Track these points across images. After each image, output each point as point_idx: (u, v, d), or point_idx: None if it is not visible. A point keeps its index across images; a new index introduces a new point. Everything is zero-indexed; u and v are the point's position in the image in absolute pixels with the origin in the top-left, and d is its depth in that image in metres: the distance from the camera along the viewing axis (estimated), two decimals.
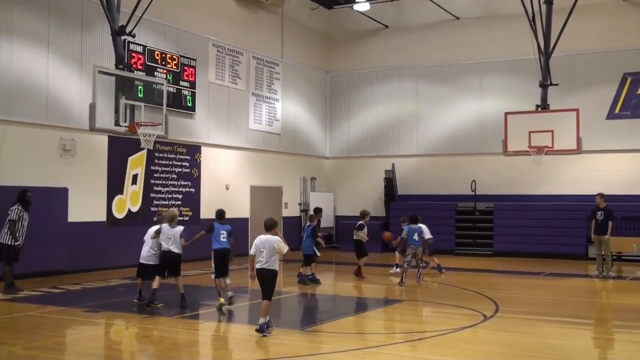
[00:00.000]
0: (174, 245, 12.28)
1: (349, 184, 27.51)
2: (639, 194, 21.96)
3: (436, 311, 12.26)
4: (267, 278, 10.12)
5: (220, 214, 12.83)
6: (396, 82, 26.81)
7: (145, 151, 18.76)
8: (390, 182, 26.06)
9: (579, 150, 18.92)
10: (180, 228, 12.40)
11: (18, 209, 14.08)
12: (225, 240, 12.54)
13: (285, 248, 10.16)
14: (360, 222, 16.92)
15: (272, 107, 24.78)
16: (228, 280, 12.56)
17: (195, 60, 21.04)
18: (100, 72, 15.23)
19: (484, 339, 10.06)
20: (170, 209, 15.14)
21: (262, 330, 9.90)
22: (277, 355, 8.87)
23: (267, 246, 10.05)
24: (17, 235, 13.91)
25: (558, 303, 13.84)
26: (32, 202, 14.43)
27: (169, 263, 12.32)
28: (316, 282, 15.81)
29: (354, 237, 16.82)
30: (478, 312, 11.94)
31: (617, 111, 23.01)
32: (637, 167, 22.62)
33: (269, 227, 10.32)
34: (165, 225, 12.39)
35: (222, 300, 12.21)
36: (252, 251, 10.23)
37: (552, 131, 18.71)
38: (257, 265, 10.12)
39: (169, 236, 12.26)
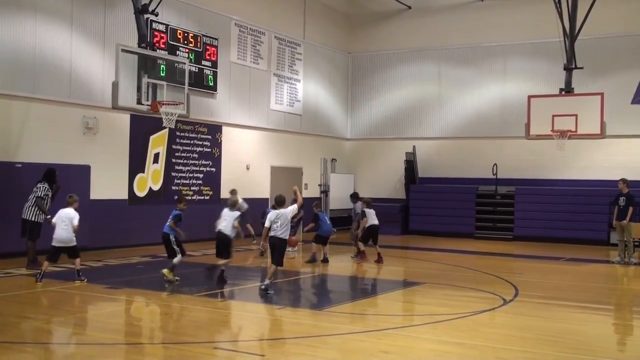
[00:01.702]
0: (227, 228, 12.94)
1: (370, 165, 27.46)
2: None
3: (455, 294, 12.24)
4: (278, 246, 11.53)
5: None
6: (418, 64, 26.62)
7: (166, 130, 18.83)
8: (411, 164, 25.97)
9: (602, 135, 18.71)
10: (236, 213, 13.14)
11: (44, 187, 14.21)
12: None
13: (297, 205, 11.93)
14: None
15: (293, 88, 24.74)
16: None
17: (217, 39, 21.02)
18: (123, 50, 15.30)
19: (503, 323, 10.04)
20: (233, 196, 15.70)
21: (267, 289, 11.40)
22: (295, 335, 8.92)
23: (281, 218, 11.44)
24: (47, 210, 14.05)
25: (578, 288, 13.76)
26: (59, 181, 14.54)
27: (220, 243, 13.07)
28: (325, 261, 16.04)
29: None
30: (497, 295, 11.92)
31: None
32: None
33: (280, 202, 11.88)
34: (225, 209, 13.26)
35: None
36: (266, 224, 11.64)
37: (575, 115, 18.51)
38: (271, 234, 11.53)
39: (224, 218, 13.02)
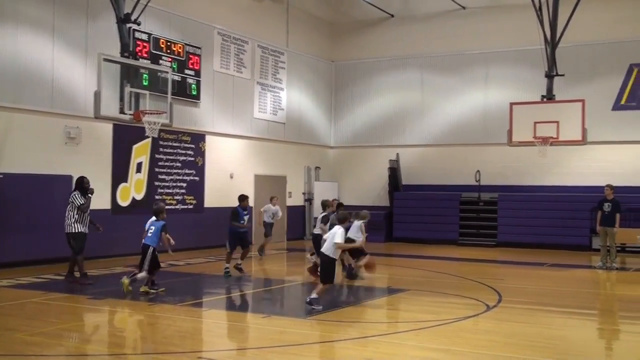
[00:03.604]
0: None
1: (354, 173, 27.51)
2: None
3: (439, 301, 12.28)
4: (322, 263, 11.36)
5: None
6: (401, 72, 26.74)
7: (150, 139, 18.77)
8: (394, 172, 26.05)
9: (584, 141, 18.89)
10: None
11: (78, 196, 13.78)
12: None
13: (338, 239, 11.10)
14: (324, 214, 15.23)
15: (277, 96, 24.76)
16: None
17: (200, 48, 21.01)
18: (105, 59, 15.27)
19: (486, 329, 10.08)
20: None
21: (311, 303, 10.95)
22: (281, 344, 8.90)
23: (330, 235, 11.35)
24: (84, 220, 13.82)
25: (561, 294, 13.85)
26: (91, 188, 14.15)
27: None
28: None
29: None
30: (481, 302, 11.96)
31: (623, 102, 22.91)
32: None
33: (341, 220, 11.62)
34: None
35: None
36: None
37: (557, 122, 18.68)
38: (322, 249, 11.39)
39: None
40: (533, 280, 15.80)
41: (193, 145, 20.92)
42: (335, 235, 11.16)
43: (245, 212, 15.35)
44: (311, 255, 16.19)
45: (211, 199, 21.42)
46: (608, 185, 17.75)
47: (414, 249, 22.20)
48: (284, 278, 15.83)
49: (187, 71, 20.49)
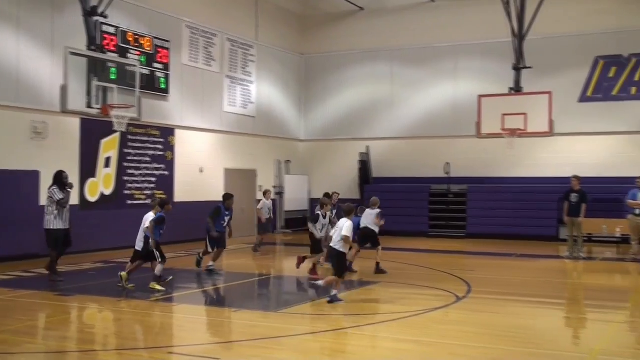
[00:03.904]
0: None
1: (324, 166, 27.52)
2: (609, 176, 22.22)
3: (410, 292, 12.36)
4: (333, 257, 11.23)
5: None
6: (371, 65, 26.79)
7: (118, 134, 18.59)
8: (364, 164, 26.12)
9: (551, 132, 19.14)
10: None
11: (57, 190, 13.43)
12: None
13: (347, 233, 10.93)
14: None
15: (246, 90, 24.66)
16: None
17: (168, 42, 20.83)
18: (71, 53, 15.08)
19: (456, 320, 10.17)
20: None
21: (332, 300, 10.87)
22: (250, 337, 8.89)
23: (339, 228, 11.14)
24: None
25: (530, 284, 14.01)
26: (70, 182, 13.82)
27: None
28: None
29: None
30: (451, 293, 12.06)
31: (589, 94, 23.24)
32: (608, 149, 22.91)
33: (347, 212, 11.32)
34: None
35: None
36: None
37: (525, 114, 18.86)
38: (331, 243, 11.30)
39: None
40: (502, 270, 15.98)
41: (162, 140, 20.75)
42: (343, 228, 11.01)
43: (227, 213, 14.69)
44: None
45: (181, 194, 21.28)
46: (574, 176, 17.99)
47: (385, 241, 22.08)
48: (254, 272, 15.80)
49: (155, 65, 20.31)
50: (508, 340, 8.84)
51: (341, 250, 11.10)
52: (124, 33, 19.21)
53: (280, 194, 26.01)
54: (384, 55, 26.53)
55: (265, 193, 19.66)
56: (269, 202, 19.44)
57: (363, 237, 14.70)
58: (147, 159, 20.21)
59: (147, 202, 19.93)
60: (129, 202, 19.39)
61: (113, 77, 16.77)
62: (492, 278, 14.59)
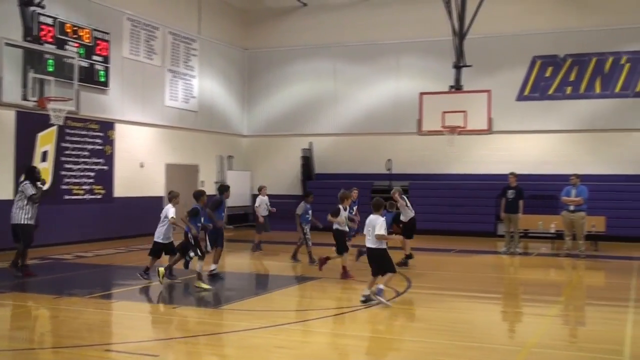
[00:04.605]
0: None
1: (267, 162, 27.46)
2: (545, 173, 22.82)
3: (350, 288, 12.45)
4: (372, 257, 10.64)
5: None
6: (315, 61, 26.84)
7: (55, 127, 18.16)
8: (307, 160, 26.16)
9: (490, 130, 19.52)
10: None
11: (29, 186, 13.05)
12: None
13: (380, 231, 10.40)
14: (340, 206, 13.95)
15: (188, 84, 24.41)
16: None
17: (108, 34, 20.44)
18: (7, 44, 14.67)
19: (396, 314, 10.29)
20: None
21: (366, 300, 10.48)
22: (190, 333, 8.83)
23: (370, 226, 10.54)
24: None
25: (468, 279, 14.29)
26: (43, 178, 13.45)
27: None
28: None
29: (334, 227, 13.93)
30: (390, 288, 12.18)
31: (526, 93, 23.79)
32: (544, 147, 23.51)
33: (375, 207, 10.74)
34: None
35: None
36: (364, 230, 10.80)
37: (465, 112, 19.18)
38: (367, 244, 10.65)
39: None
40: (441, 266, 16.23)
41: (101, 134, 20.37)
42: (376, 226, 10.48)
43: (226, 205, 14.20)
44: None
45: (121, 189, 20.95)
46: (512, 173, 18.39)
47: (326, 237, 22.28)
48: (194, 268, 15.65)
49: (94, 57, 19.91)
50: (446, 334, 9.00)
51: (381, 247, 10.60)
52: (62, 24, 18.77)
53: None
54: (327, 51, 26.60)
55: (261, 189, 18.71)
56: (266, 198, 18.58)
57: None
58: (86, 153, 19.81)
59: (85, 197, 19.61)
60: (67, 197, 18.98)
61: (50, 69, 16.39)
62: (432, 273, 14.81)
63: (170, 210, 12.68)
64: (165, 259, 12.98)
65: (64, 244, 18.03)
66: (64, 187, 18.92)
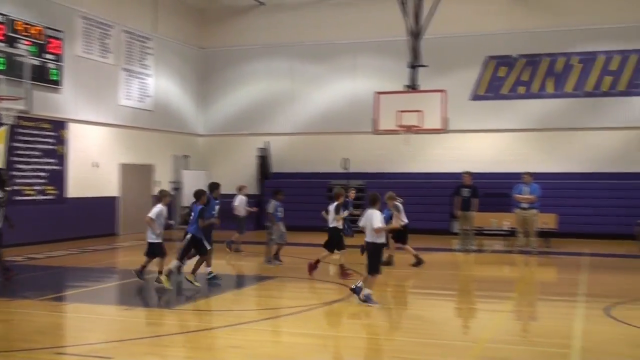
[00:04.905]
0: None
1: (224, 161, 27.31)
2: (499, 171, 23.15)
3: (307, 287, 12.48)
4: (368, 251, 10.45)
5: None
6: (272, 60, 26.79)
7: (6, 127, 17.79)
8: (264, 159, 26.11)
9: (445, 129, 19.73)
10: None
11: None
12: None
13: (377, 224, 10.24)
14: (336, 203, 13.81)
15: (144, 83, 24.13)
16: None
17: (61, 32, 20.09)
18: None
19: (352, 312, 10.34)
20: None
21: (361, 299, 10.30)
22: (144, 335, 8.74)
23: (367, 220, 10.38)
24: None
25: (423, 276, 14.43)
26: (10, 181, 13.03)
27: None
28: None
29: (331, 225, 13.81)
30: (347, 286, 12.24)
31: (480, 92, 24.12)
32: (498, 146, 23.87)
33: (372, 201, 10.61)
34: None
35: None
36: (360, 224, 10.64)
37: (420, 111, 19.34)
38: (366, 239, 10.47)
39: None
40: (397, 264, 16.32)
41: (54, 133, 20.03)
42: (373, 219, 10.30)
43: (217, 202, 13.93)
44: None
45: (74, 189, 20.63)
46: (466, 172, 18.63)
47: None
48: (150, 269, 15.49)
49: (47, 56, 19.54)
50: (402, 331, 9.09)
51: (377, 242, 10.40)
52: (13, 22, 18.39)
53: (178, 189, 25.62)
54: (284, 50, 26.58)
55: (241, 188, 18.45)
56: (245, 198, 18.29)
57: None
58: (38, 153, 19.45)
59: (37, 198, 19.26)
60: (18, 197, 18.60)
61: (1, 67, 16.10)
62: (387, 271, 14.85)
63: (154, 209, 12.34)
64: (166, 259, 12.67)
65: (15, 246, 17.67)
66: (15, 187, 18.55)
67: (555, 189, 21.58)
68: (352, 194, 16.79)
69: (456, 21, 23.78)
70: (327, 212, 13.93)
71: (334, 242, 13.55)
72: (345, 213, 14.14)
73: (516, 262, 17.02)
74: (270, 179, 25.89)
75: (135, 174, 23.24)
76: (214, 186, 14.30)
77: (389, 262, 14.82)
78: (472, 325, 10.28)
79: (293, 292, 12.08)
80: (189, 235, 12.38)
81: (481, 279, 14.56)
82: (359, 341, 8.48)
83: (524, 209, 17.92)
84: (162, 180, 24.87)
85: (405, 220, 15.11)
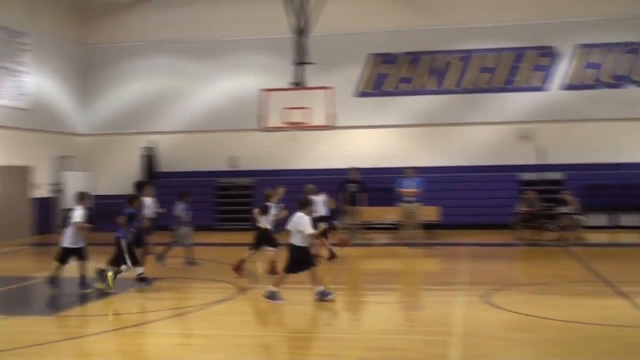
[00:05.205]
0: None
1: (108, 161, 26.50)
2: (385, 166, 23.66)
3: (193, 287, 12.35)
4: (291, 251, 10.85)
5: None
6: (157, 58, 26.22)
7: None
8: (150, 159, 25.55)
9: (331, 126, 19.99)
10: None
11: None
12: None
13: (309, 230, 10.66)
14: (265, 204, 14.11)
15: (19, 81, 23.01)
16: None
17: None
18: None
19: (240, 311, 10.32)
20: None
21: (271, 297, 10.44)
22: (23, 345, 8.34)
23: (295, 224, 10.83)
24: None
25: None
26: None
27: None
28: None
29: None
30: (235, 284, 12.20)
31: (363, 89, 24.58)
32: (383, 141, 24.40)
33: (302, 205, 11.20)
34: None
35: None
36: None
37: (306, 108, 19.53)
38: (292, 241, 10.84)
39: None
40: (284, 259, 16.38)
41: None
42: (305, 225, 10.73)
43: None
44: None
45: None
46: (352, 168, 18.94)
47: (169, 236, 21.94)
48: (28, 275, 14.83)
49: None
50: (290, 326, 9.14)
51: (302, 245, 10.76)
52: None
53: (59, 191, 24.65)
54: (170, 48, 26.09)
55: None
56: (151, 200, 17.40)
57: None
58: None
59: None
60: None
61: None
62: (276, 268, 14.91)
63: (76, 213, 11.78)
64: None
65: None
66: None
67: (438, 182, 22.26)
68: (281, 191, 16.70)
69: (342, 19, 24.08)
70: (261, 211, 13.91)
71: (264, 241, 13.63)
72: (275, 212, 14.18)
73: (400, 254, 17.47)
74: (157, 179, 25.36)
75: (11, 177, 22.13)
76: (141, 184, 14.56)
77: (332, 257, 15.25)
78: (360, 317, 10.47)
79: (179, 293, 11.92)
80: (123, 240, 11.86)
81: (369, 272, 14.88)
82: (243, 339, 8.44)
83: (408, 202, 18.41)
84: (42, 183, 23.85)
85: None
